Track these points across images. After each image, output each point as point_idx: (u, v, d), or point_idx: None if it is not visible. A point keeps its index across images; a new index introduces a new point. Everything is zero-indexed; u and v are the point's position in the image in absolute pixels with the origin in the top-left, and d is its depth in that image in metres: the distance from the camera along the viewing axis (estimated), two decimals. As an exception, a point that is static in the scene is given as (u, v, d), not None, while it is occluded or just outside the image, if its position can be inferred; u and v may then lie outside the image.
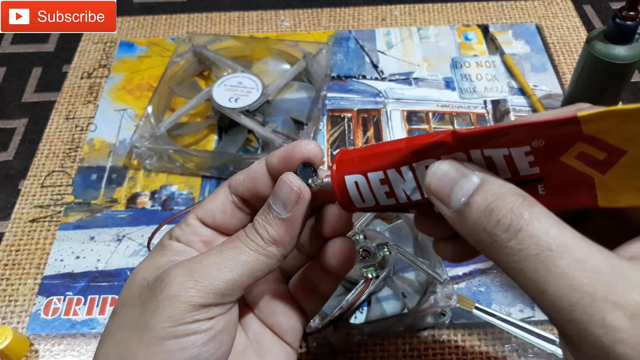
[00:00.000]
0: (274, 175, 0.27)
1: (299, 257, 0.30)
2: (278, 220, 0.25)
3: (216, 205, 0.28)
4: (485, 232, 0.19)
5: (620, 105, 0.17)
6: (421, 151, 0.22)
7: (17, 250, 0.49)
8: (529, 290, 0.19)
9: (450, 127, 0.57)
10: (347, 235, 0.28)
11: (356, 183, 0.25)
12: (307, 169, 0.26)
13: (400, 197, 0.24)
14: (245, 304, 0.29)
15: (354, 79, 0.62)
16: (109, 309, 0.45)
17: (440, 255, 0.26)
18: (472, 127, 0.57)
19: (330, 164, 0.26)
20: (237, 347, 0.27)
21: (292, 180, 0.25)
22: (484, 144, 0.21)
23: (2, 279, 0.48)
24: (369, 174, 0.24)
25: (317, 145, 0.26)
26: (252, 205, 0.28)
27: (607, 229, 0.23)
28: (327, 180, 0.25)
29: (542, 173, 0.21)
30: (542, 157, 0.20)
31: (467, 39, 0.66)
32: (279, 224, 0.25)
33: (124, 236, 0.50)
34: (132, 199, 0.53)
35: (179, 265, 0.24)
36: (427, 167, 0.22)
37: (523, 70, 0.62)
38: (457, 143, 0.21)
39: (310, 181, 0.26)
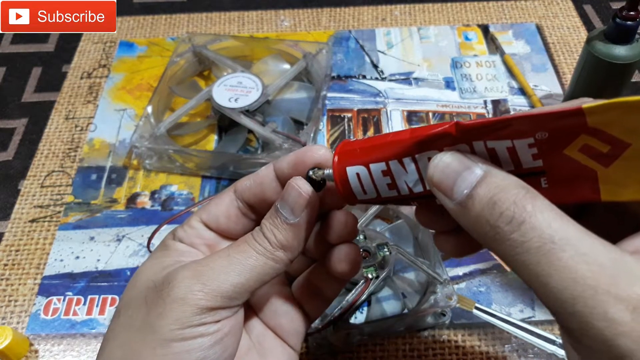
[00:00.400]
0: (283, 181, 0.26)
1: (302, 260, 0.30)
2: (286, 225, 0.25)
3: (221, 210, 0.28)
4: (488, 224, 0.19)
5: (625, 97, 0.17)
6: (424, 142, 0.22)
7: (17, 251, 0.49)
8: (532, 282, 0.19)
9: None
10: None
11: (358, 174, 0.24)
12: (317, 174, 0.26)
13: (402, 189, 0.24)
14: (248, 306, 0.29)
15: (354, 79, 0.62)
16: (108, 309, 0.45)
17: (441, 249, 0.26)
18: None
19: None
20: (241, 349, 0.27)
21: (300, 186, 0.25)
22: (487, 135, 0.21)
23: (2, 279, 0.47)
24: (371, 165, 0.24)
25: (328, 150, 0.26)
26: (257, 211, 0.28)
27: (609, 222, 0.23)
28: (328, 171, 0.25)
29: (546, 166, 0.20)
30: (545, 149, 0.20)
31: (467, 38, 0.66)
32: (287, 228, 0.25)
33: (123, 236, 0.50)
34: (132, 199, 0.53)
35: (186, 267, 0.24)
36: (429, 158, 0.22)
37: (523, 70, 0.62)
38: (460, 134, 0.21)
39: (311, 172, 0.26)
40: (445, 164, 0.21)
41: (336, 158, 0.25)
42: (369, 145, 0.24)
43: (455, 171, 0.21)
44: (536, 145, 0.20)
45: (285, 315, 0.29)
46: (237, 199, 0.28)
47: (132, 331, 0.24)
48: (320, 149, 0.26)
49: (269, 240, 0.25)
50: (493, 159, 0.21)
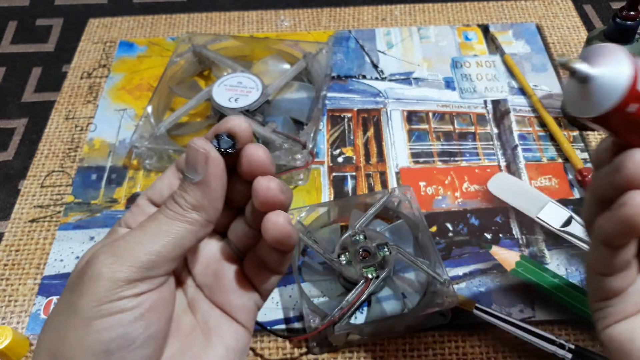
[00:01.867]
0: None
1: (251, 233, 0.29)
2: (192, 185, 0.25)
3: (164, 183, 0.28)
4: None
5: None
6: None
7: (17, 251, 0.49)
8: None
9: (451, 127, 0.58)
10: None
11: None
12: (227, 139, 0.26)
13: None
14: (196, 286, 0.29)
15: (354, 79, 0.62)
16: (108, 309, 0.45)
17: None
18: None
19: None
20: (184, 329, 0.27)
21: (197, 143, 0.25)
22: None
23: (2, 279, 0.48)
24: None
25: (243, 120, 0.26)
26: None
27: None
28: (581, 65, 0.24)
29: None
30: None
31: (467, 38, 0.66)
32: (194, 188, 0.25)
33: (123, 236, 0.50)
34: (132, 199, 0.53)
35: (105, 245, 0.24)
36: None
37: (523, 70, 0.62)
38: None
39: (216, 141, 0.26)
40: None
41: None
42: None
43: None
44: None
45: (233, 290, 0.28)
46: (178, 171, 0.28)
47: (60, 315, 0.24)
48: (235, 119, 0.26)
49: (179, 204, 0.25)
50: None
